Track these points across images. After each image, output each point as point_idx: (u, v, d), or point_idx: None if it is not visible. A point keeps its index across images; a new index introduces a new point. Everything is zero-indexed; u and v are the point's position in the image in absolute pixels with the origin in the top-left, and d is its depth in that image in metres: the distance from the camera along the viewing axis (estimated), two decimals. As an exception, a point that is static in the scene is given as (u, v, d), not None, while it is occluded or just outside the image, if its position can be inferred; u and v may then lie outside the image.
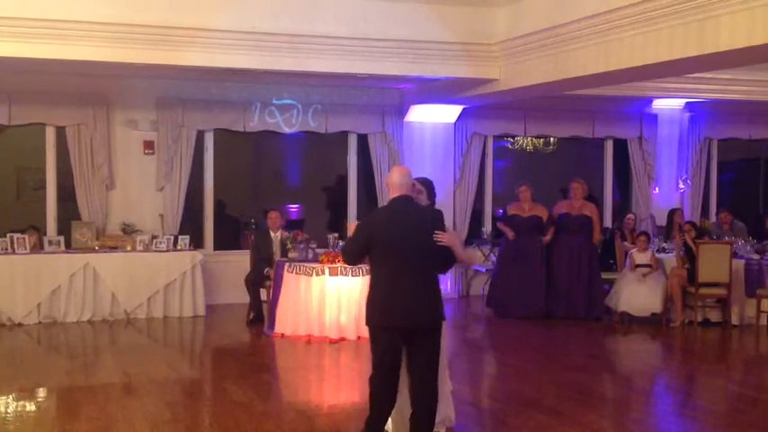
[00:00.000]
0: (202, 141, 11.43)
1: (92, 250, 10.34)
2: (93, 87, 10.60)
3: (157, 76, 10.54)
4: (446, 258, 5.25)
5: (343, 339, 8.98)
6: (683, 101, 12.73)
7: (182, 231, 10.92)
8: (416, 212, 5.28)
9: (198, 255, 10.62)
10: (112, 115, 10.89)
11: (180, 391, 7.24)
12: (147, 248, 10.47)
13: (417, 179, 5.59)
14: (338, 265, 9.03)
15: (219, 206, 12.07)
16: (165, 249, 10.49)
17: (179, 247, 10.59)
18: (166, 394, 7.02)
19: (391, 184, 5.30)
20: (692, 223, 10.75)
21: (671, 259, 10.50)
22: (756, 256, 10.37)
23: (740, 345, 9.65)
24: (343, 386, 7.78)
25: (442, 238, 5.11)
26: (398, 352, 5.22)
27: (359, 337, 9.02)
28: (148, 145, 11.04)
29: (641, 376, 8.24)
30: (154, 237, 10.61)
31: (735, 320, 10.09)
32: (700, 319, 10.20)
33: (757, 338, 9.68)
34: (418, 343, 5.16)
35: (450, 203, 11.83)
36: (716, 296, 10.21)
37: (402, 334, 5.18)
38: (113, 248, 10.44)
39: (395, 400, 5.30)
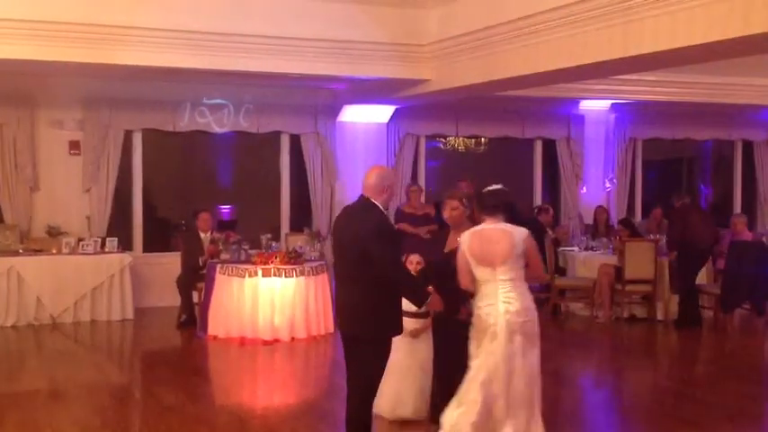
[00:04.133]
0: (130, 141, 11.22)
1: (16, 254, 10.04)
2: (17, 86, 10.29)
3: (84, 75, 10.29)
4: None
5: (276, 341, 8.93)
6: (609, 102, 13.03)
7: (110, 233, 10.70)
8: (361, 218, 4.95)
9: (127, 257, 10.42)
10: (37, 115, 10.62)
11: (109, 397, 7.10)
12: (73, 251, 10.22)
13: (489, 190, 5.13)
14: (271, 266, 8.98)
15: (149, 207, 11.87)
16: (92, 252, 10.26)
17: (107, 250, 10.38)
18: (95, 400, 6.89)
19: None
20: (624, 222, 11.00)
21: (599, 257, 10.74)
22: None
23: (665, 340, 9.92)
24: (276, 388, 7.73)
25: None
26: (346, 355, 5.16)
27: (293, 339, 9.00)
28: (74, 145, 10.80)
29: (571, 372, 8.40)
30: (80, 239, 10.38)
31: (660, 316, 10.37)
32: (626, 315, 10.46)
33: (683, 334, 9.94)
34: (358, 351, 5.03)
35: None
36: (641, 293, 10.49)
37: (344, 338, 5.16)
38: (38, 252, 10.17)
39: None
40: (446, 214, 5.48)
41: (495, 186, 5.21)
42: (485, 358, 4.97)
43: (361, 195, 5.04)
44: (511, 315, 4.95)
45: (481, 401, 4.92)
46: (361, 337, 4.98)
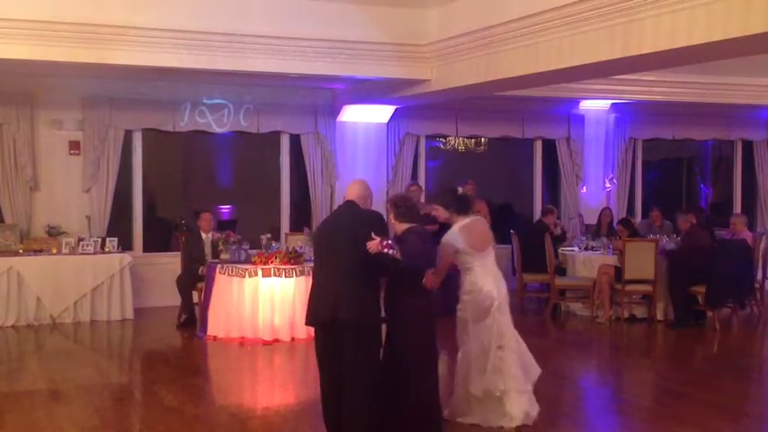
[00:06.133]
0: (130, 141, 11.21)
1: (16, 254, 10.04)
2: (16, 86, 10.30)
3: (84, 75, 10.30)
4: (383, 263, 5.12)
5: (276, 341, 8.92)
6: (609, 102, 13.02)
7: (110, 233, 10.70)
8: (351, 214, 5.31)
9: (126, 257, 10.42)
10: (37, 115, 10.61)
11: (109, 397, 7.09)
12: (73, 251, 10.22)
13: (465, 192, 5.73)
14: (271, 266, 8.98)
15: (149, 207, 11.87)
16: (92, 252, 10.26)
17: (107, 250, 10.37)
18: (95, 400, 6.87)
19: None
20: (624, 223, 11.00)
21: (599, 257, 10.74)
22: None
23: (665, 340, 9.92)
24: (276, 388, 7.73)
25: (369, 245, 5.03)
26: (328, 350, 5.23)
27: (293, 339, 8.99)
28: (74, 145, 10.79)
29: (571, 372, 8.40)
30: (80, 239, 10.38)
31: (660, 316, 10.36)
32: (626, 315, 10.46)
33: (682, 333, 9.94)
34: (345, 343, 5.15)
35: (383, 204, 11.84)
36: (642, 293, 10.48)
37: (329, 332, 5.19)
38: (38, 251, 10.16)
39: (337, 398, 5.24)
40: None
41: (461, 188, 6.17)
42: (504, 328, 5.83)
43: (347, 201, 5.41)
44: (504, 288, 5.93)
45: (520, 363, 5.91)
46: (359, 322, 5.12)
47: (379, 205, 6.41)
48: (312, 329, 5.47)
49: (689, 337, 9.75)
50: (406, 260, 5.17)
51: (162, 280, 10.74)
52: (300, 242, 10.34)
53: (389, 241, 5.06)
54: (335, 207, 11.33)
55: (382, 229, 5.19)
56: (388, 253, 5.02)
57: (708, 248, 10.12)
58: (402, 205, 5.57)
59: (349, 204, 5.39)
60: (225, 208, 13.94)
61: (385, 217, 5.55)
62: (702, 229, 10.52)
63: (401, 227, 5.52)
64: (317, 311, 5.27)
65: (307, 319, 5.38)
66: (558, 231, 11.37)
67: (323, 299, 5.23)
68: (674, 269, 10.14)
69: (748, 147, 14.50)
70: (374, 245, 5.00)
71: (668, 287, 10.23)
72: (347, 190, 5.51)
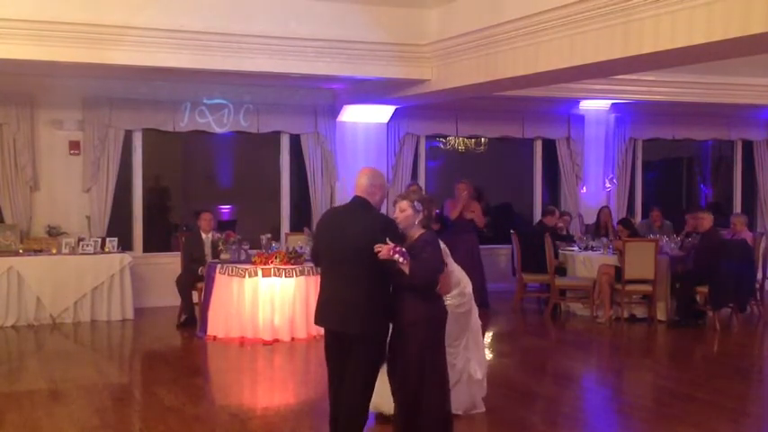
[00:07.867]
0: (130, 141, 11.21)
1: (16, 254, 10.04)
2: (16, 86, 10.29)
3: (84, 75, 10.30)
4: (394, 272, 4.83)
5: (276, 341, 8.92)
6: (609, 102, 13.02)
7: (110, 233, 10.70)
8: (360, 216, 5.03)
9: (127, 257, 10.42)
10: (37, 115, 10.61)
11: (109, 397, 7.09)
12: (73, 251, 10.22)
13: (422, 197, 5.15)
14: (271, 266, 8.98)
15: (149, 208, 11.87)
16: (92, 252, 10.26)
17: (107, 250, 10.37)
18: (95, 400, 6.87)
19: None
20: (624, 222, 11.00)
21: (599, 257, 10.74)
22: (681, 254, 10.68)
23: (665, 340, 9.92)
24: (276, 388, 7.74)
25: (379, 248, 4.75)
26: (335, 354, 5.20)
27: (293, 339, 9.00)
28: (74, 145, 10.79)
29: (571, 372, 8.40)
30: (80, 239, 10.38)
31: (660, 316, 10.36)
32: (626, 315, 10.46)
33: (682, 333, 9.95)
34: (350, 347, 5.05)
35: (383, 204, 11.83)
36: (642, 293, 10.48)
37: (336, 337, 5.16)
38: (38, 251, 10.16)
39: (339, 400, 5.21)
40: (394, 215, 5.21)
41: None
42: (475, 323, 6.30)
43: (356, 196, 5.11)
44: None
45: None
46: (366, 336, 4.99)
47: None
48: (315, 326, 5.41)
49: (689, 337, 9.75)
50: (423, 278, 4.87)
51: (162, 280, 10.75)
52: (300, 242, 10.33)
53: (402, 248, 4.74)
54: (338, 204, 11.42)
55: (394, 237, 4.87)
56: (397, 260, 4.71)
57: (717, 248, 10.09)
58: (428, 208, 5.10)
59: (358, 202, 5.09)
60: (225, 208, 13.95)
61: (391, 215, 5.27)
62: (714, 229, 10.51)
63: (418, 231, 5.05)
64: (326, 319, 5.16)
65: (315, 318, 5.28)
66: (563, 232, 11.39)
67: (332, 308, 5.10)
68: (687, 268, 10.13)
69: (748, 147, 14.49)
70: (386, 250, 4.70)
71: (672, 286, 10.22)
72: (356, 180, 5.15)
